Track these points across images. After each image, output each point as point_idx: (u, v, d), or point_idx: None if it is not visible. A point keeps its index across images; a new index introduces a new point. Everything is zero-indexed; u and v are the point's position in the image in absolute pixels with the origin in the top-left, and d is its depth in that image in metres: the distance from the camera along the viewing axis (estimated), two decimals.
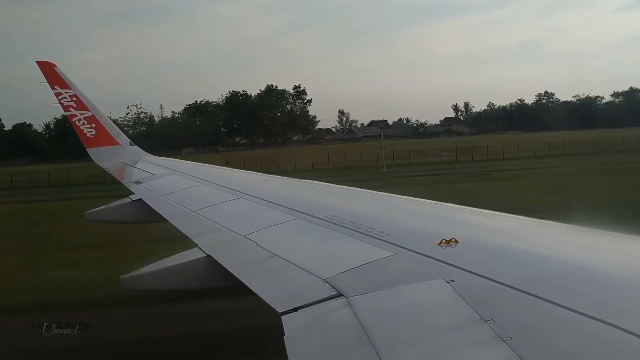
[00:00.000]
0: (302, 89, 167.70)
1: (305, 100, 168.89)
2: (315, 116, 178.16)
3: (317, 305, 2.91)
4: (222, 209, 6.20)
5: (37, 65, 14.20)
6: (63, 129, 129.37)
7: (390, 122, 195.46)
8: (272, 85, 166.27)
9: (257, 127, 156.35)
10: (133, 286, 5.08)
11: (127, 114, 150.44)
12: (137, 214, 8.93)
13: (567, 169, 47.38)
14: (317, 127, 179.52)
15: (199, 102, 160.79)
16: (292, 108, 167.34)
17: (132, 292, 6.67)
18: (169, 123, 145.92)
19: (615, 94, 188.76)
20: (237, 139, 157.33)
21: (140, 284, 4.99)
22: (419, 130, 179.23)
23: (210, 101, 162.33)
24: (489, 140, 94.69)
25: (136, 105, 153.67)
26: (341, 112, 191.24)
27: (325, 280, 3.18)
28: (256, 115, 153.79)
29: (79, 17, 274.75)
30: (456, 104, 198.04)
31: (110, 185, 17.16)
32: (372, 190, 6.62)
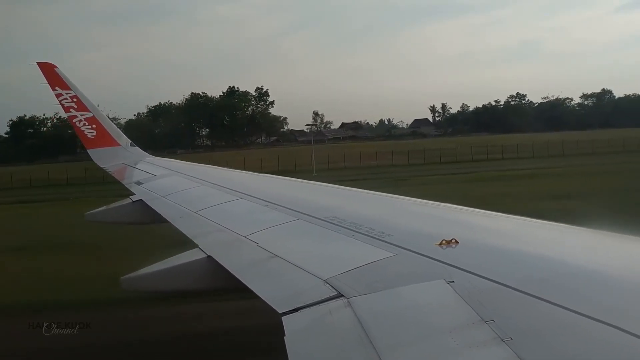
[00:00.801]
0: (264, 90, 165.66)
1: (267, 102, 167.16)
2: (285, 117, 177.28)
3: (317, 305, 2.92)
4: (222, 210, 6.21)
5: (37, 67, 14.22)
6: (19, 131, 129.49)
7: (374, 124, 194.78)
8: (233, 87, 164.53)
9: (218, 129, 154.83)
10: (134, 287, 5.08)
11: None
12: (138, 215, 8.94)
13: (485, 174, 46.87)
14: (288, 129, 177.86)
15: (162, 103, 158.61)
16: (254, 110, 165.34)
17: (133, 292, 6.68)
18: (127, 125, 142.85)
19: (585, 96, 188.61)
20: (199, 141, 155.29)
21: (141, 284, 4.99)
22: (387, 133, 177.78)
23: (174, 103, 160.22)
24: (448, 142, 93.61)
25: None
26: (315, 113, 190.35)
27: (325, 281, 3.18)
28: (217, 117, 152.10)
29: (79, 18, 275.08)
30: (433, 105, 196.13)
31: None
32: (371, 191, 6.63)
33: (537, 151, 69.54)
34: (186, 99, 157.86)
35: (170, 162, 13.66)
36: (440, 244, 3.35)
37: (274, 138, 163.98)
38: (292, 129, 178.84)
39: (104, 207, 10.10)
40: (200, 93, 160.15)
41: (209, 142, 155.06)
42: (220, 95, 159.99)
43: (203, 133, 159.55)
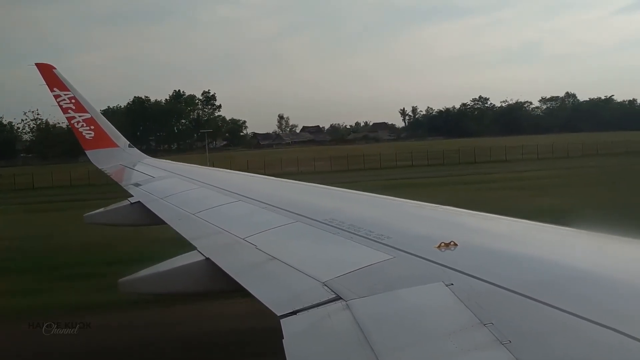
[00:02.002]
0: (211, 94, 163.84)
1: (214, 106, 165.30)
2: (244, 121, 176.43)
3: (316, 308, 2.91)
4: (221, 212, 6.20)
5: (36, 68, 14.21)
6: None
7: (351, 126, 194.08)
8: (179, 90, 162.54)
9: (162, 134, 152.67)
10: (132, 289, 5.06)
11: (22, 120, 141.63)
12: (136, 217, 8.93)
13: (374, 183, 42.75)
14: (250, 132, 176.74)
15: (110, 107, 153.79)
16: (200, 114, 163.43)
17: (131, 295, 6.66)
18: (67, 130, 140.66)
19: (543, 100, 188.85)
20: (143, 146, 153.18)
21: (139, 287, 4.98)
22: (346, 137, 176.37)
23: (120, 106, 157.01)
24: (388, 148, 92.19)
25: (32, 112, 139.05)
26: (280, 117, 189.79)
27: (324, 284, 3.17)
28: (160, 122, 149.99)
29: (79, 19, 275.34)
30: (403, 109, 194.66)
31: None
32: (370, 193, 6.62)
33: (464, 157, 68.21)
34: (128, 103, 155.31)
35: (168, 164, 13.66)
36: (439, 246, 3.34)
37: (225, 142, 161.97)
38: (255, 132, 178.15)
39: (102, 209, 10.08)
40: (143, 97, 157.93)
41: (152, 147, 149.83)
42: (166, 100, 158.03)
43: (151, 137, 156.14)
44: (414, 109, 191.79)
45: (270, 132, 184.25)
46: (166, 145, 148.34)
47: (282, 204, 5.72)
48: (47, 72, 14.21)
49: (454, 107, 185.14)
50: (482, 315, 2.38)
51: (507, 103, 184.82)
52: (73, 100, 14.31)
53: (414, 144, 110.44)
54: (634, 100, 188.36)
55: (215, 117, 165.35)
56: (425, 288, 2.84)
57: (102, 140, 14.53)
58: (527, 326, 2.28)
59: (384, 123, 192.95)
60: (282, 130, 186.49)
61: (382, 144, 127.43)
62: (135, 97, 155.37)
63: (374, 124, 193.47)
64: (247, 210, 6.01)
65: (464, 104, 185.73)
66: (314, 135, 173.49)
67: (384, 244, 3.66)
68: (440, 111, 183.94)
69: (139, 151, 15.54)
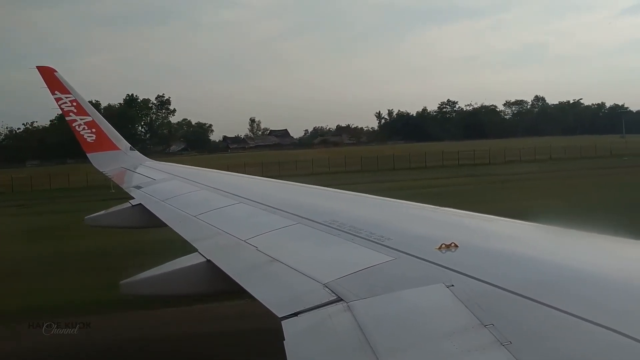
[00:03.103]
0: (165, 98, 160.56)
1: (169, 110, 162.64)
2: (210, 125, 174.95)
3: (317, 310, 2.92)
4: (222, 214, 6.21)
5: (37, 71, 14.24)
6: None
7: (332, 128, 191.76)
8: (132, 94, 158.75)
9: None
10: (133, 291, 5.08)
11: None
12: (137, 219, 8.94)
13: None
14: (221, 135, 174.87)
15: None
16: (153, 118, 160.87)
17: (133, 297, 6.67)
18: (16, 135, 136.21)
19: (508, 103, 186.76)
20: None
21: (141, 289, 4.99)
22: (313, 141, 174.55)
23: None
24: (336, 153, 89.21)
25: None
26: (252, 120, 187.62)
27: (325, 285, 3.18)
28: (113, 126, 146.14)
29: (81, 21, 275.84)
30: (379, 112, 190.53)
31: None
32: (370, 195, 6.63)
33: (400, 163, 65.45)
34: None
35: (170, 166, 13.67)
36: (440, 247, 3.35)
37: (182, 147, 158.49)
38: (225, 136, 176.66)
39: (103, 211, 10.09)
40: (94, 100, 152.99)
41: None
42: (119, 104, 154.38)
43: None
44: (390, 112, 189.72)
45: (242, 135, 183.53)
46: None
47: (283, 206, 5.73)
48: (48, 75, 14.24)
49: (425, 110, 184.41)
50: (482, 317, 2.38)
51: (470, 107, 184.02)
52: (74, 103, 14.33)
53: (364, 149, 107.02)
54: (602, 103, 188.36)
55: (169, 121, 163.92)
56: (425, 289, 2.84)
57: (103, 143, 14.54)
58: (528, 327, 2.28)
59: (347, 127, 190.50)
60: (253, 134, 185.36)
61: (331, 149, 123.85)
62: (89, 101, 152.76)
63: (338, 127, 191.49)
64: (248, 212, 6.02)
65: (440, 107, 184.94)
66: (280, 139, 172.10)
67: (384, 246, 3.66)
68: (401, 115, 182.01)
69: (140, 154, 15.55)
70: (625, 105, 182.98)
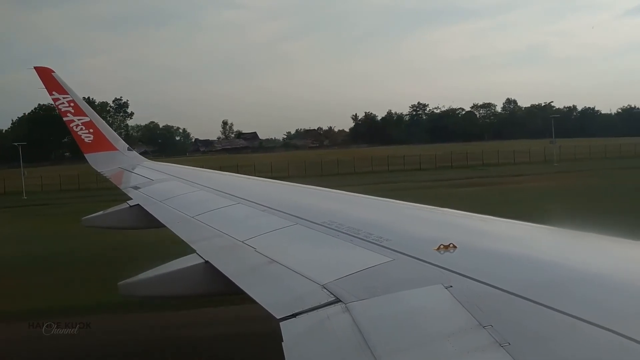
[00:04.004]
0: (123, 101, 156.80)
1: (127, 113, 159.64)
2: (178, 127, 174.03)
3: (315, 311, 2.91)
4: (220, 215, 6.20)
5: (35, 72, 14.22)
6: None
7: (295, 132, 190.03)
8: (89, 97, 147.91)
9: (67, 140, 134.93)
10: (131, 292, 5.07)
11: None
12: (135, 220, 8.92)
13: None
14: (193, 138, 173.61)
15: (26, 114, 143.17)
16: (110, 122, 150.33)
17: (131, 298, 6.66)
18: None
19: (475, 106, 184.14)
20: (52, 154, 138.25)
21: (139, 290, 4.98)
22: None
23: (25, 113, 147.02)
24: (285, 156, 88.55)
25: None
26: (224, 123, 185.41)
27: (323, 286, 3.18)
28: (64, 129, 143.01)
29: (82, 23, 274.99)
30: (355, 114, 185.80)
31: None
32: (369, 196, 6.63)
33: (328, 169, 61.72)
34: (33, 110, 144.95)
35: (168, 167, 13.65)
36: (438, 248, 3.35)
37: (142, 150, 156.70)
38: (196, 139, 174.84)
39: (101, 212, 10.07)
40: (47, 104, 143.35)
41: (68, 154, 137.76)
42: None
43: (47, 145, 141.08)
44: (366, 114, 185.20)
45: (216, 137, 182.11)
46: (68, 153, 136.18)
47: (282, 207, 5.73)
48: (46, 76, 14.22)
49: (398, 113, 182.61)
50: (481, 318, 2.38)
51: (438, 110, 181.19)
52: (72, 104, 14.31)
53: (320, 153, 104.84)
54: (574, 106, 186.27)
55: (127, 124, 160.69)
56: (424, 290, 2.84)
57: (101, 143, 14.51)
58: (526, 328, 2.29)
59: (314, 130, 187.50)
60: (226, 137, 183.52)
61: (280, 154, 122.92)
62: (39, 104, 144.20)
63: (305, 130, 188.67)
64: (246, 213, 6.02)
65: (395, 112, 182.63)
66: (249, 142, 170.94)
67: (383, 247, 3.66)
68: (365, 118, 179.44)
69: (138, 154, 15.54)
70: (597, 108, 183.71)
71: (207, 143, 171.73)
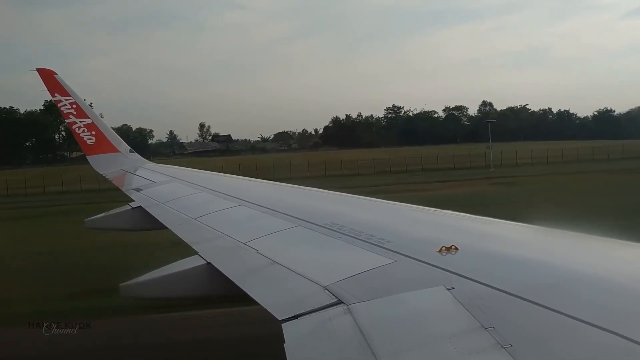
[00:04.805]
0: (88, 104, 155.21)
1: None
2: (151, 130, 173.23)
3: (317, 312, 2.91)
4: (222, 216, 6.20)
5: (37, 73, 14.25)
6: None
7: (297, 132, 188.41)
8: (51, 100, 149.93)
9: (29, 144, 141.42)
10: (133, 294, 5.07)
11: None
12: (137, 222, 8.93)
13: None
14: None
15: None
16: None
17: (132, 299, 6.67)
18: None
19: (447, 109, 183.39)
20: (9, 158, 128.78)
21: (140, 291, 4.98)
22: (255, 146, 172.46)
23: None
24: (245, 160, 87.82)
25: None
26: (201, 125, 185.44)
27: (325, 288, 3.18)
28: (31, 132, 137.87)
29: (85, 24, 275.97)
30: (336, 116, 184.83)
31: None
32: (370, 197, 6.63)
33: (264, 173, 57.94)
34: None
35: (169, 169, 13.67)
36: (440, 250, 3.35)
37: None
38: (174, 142, 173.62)
39: (103, 214, 10.09)
40: (8, 107, 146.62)
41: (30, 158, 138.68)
42: (40, 110, 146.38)
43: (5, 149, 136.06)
44: (336, 118, 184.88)
45: (193, 140, 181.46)
46: (30, 156, 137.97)
47: (283, 209, 5.73)
48: (48, 78, 14.24)
49: (360, 116, 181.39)
50: (483, 319, 2.38)
51: (412, 113, 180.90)
52: (74, 106, 14.33)
53: (282, 156, 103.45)
54: (549, 109, 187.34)
55: None
56: (426, 292, 2.84)
57: (103, 145, 14.53)
58: (528, 330, 2.28)
59: (286, 133, 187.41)
60: (203, 139, 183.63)
61: (242, 157, 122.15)
62: (1, 107, 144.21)
63: (277, 133, 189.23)
64: (248, 215, 6.02)
65: (371, 115, 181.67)
66: (222, 144, 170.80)
67: (385, 248, 3.66)
68: (334, 122, 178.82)
69: (140, 156, 15.54)
70: (572, 111, 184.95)
71: (181, 146, 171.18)
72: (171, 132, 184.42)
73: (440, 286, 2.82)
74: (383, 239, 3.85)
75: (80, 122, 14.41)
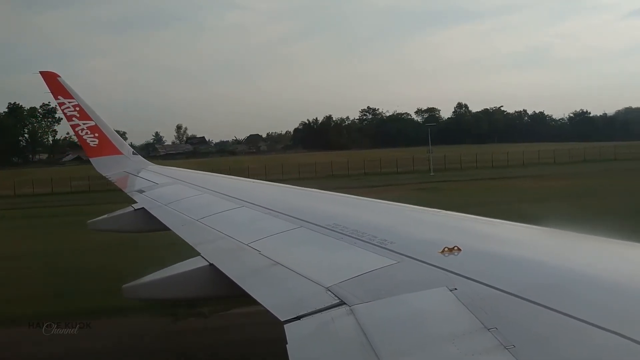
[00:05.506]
0: (51, 107, 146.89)
1: (54, 119, 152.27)
2: (125, 132, 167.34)
3: (320, 313, 2.91)
4: (224, 218, 6.21)
5: (40, 76, 14.29)
6: None
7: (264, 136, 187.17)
8: (16, 103, 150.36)
9: None
10: (136, 295, 5.08)
11: None
12: (140, 223, 8.94)
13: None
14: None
15: None
16: (35, 127, 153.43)
17: (135, 300, 6.67)
18: None
19: (419, 111, 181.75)
20: None
21: (143, 292, 4.99)
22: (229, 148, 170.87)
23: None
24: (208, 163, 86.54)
25: None
26: (178, 127, 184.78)
27: (328, 289, 3.18)
28: None
29: (86, 25, 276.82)
30: (316, 118, 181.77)
31: None
32: (373, 199, 6.63)
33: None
34: None
35: (172, 171, 13.68)
36: (443, 251, 3.34)
37: (76, 156, 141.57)
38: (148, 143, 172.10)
39: (106, 215, 10.11)
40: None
41: None
42: (4, 112, 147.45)
43: None
44: (307, 121, 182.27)
45: (170, 142, 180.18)
46: None
47: (286, 210, 5.73)
48: (52, 80, 14.27)
49: (347, 119, 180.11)
50: (485, 320, 2.38)
51: (384, 115, 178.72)
52: (77, 108, 14.36)
53: (245, 159, 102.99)
54: (524, 111, 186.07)
55: (54, 130, 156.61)
56: (429, 293, 2.84)
57: (106, 147, 14.56)
58: (531, 330, 2.28)
59: (258, 135, 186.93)
60: (180, 141, 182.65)
61: (208, 159, 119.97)
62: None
63: (250, 135, 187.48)
64: (250, 216, 6.02)
65: (346, 117, 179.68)
66: (196, 146, 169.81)
67: (387, 249, 3.66)
68: (305, 123, 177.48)
69: (143, 158, 15.58)
70: (546, 113, 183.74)
71: (154, 148, 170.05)
72: (157, 134, 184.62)
73: (442, 287, 2.82)
74: (385, 240, 3.85)
75: (84, 124, 14.44)
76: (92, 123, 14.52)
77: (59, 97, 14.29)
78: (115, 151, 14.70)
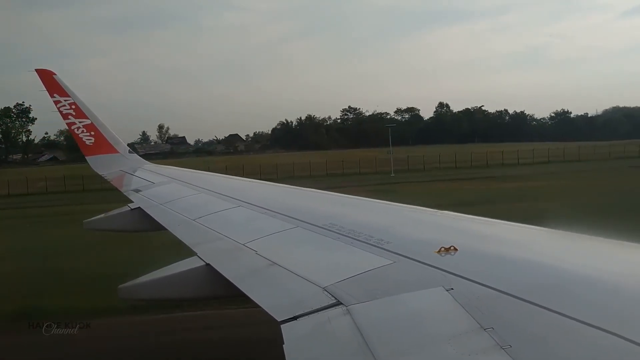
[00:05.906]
0: (25, 107, 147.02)
1: (29, 119, 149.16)
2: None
3: (316, 313, 2.91)
4: (221, 217, 6.20)
5: (36, 74, 14.23)
6: None
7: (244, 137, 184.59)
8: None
9: None
10: (132, 295, 5.06)
11: None
12: (136, 223, 8.92)
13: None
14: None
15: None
16: (7, 127, 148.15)
17: (131, 301, 6.65)
18: None
19: (399, 111, 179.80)
20: None
21: (139, 293, 4.97)
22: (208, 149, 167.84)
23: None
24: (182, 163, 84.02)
25: None
26: (160, 127, 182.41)
27: (324, 289, 3.18)
28: None
29: (84, 25, 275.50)
30: (286, 119, 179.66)
31: None
32: (369, 198, 6.63)
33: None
34: None
35: (169, 170, 13.65)
36: (439, 251, 3.35)
37: (52, 156, 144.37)
38: (129, 143, 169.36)
39: (102, 215, 10.07)
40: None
41: None
42: None
43: None
44: (285, 121, 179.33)
45: (152, 142, 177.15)
46: None
47: (282, 210, 5.73)
48: (47, 78, 14.22)
49: (309, 118, 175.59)
50: (482, 320, 2.38)
51: (364, 115, 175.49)
52: (73, 106, 14.31)
53: (205, 159, 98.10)
54: (505, 110, 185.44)
55: (28, 130, 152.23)
56: (425, 293, 2.84)
57: (102, 146, 14.51)
58: (528, 331, 2.28)
59: (237, 135, 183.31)
60: (162, 141, 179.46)
61: (174, 160, 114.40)
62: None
63: (230, 135, 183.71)
64: (247, 216, 6.02)
65: (329, 117, 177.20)
66: (175, 147, 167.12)
67: (384, 249, 3.66)
68: (282, 123, 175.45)
69: (139, 157, 15.54)
70: (526, 112, 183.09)
71: (134, 148, 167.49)
72: (144, 133, 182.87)
73: (439, 287, 2.82)
74: (382, 240, 3.85)
75: (80, 122, 14.38)
76: (87, 121, 14.47)
77: (55, 95, 14.23)
78: (112, 150, 14.65)
